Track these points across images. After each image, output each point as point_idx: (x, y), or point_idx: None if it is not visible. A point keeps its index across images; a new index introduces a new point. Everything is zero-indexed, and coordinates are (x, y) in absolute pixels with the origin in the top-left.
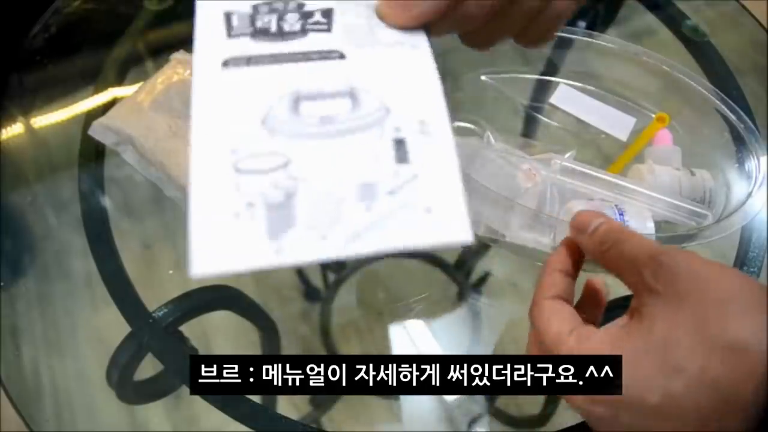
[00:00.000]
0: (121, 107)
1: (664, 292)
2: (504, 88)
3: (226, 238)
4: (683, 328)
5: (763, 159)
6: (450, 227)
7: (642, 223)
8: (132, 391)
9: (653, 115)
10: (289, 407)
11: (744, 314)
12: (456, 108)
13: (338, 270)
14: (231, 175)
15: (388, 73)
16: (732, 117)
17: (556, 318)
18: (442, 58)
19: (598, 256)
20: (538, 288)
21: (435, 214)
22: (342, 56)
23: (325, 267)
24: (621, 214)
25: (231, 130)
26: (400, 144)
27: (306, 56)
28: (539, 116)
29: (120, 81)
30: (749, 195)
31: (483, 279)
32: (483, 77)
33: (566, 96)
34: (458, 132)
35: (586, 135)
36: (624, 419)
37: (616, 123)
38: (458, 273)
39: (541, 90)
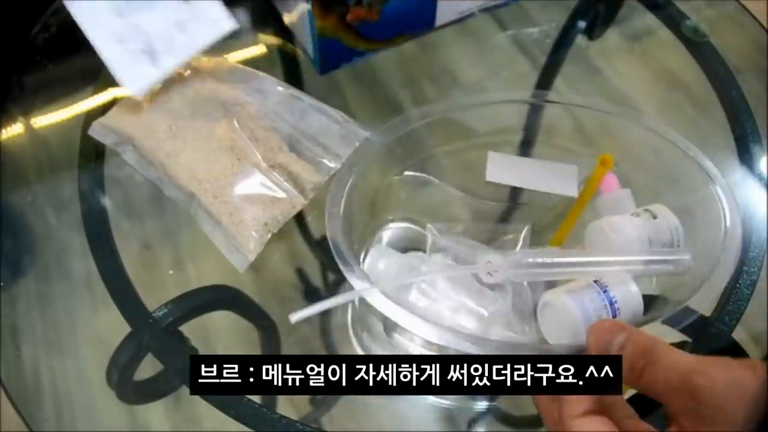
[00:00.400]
0: (121, 107)
1: (710, 418)
2: (434, 177)
3: (135, 74)
4: None
5: (723, 183)
6: (222, 28)
7: (627, 290)
8: (132, 391)
9: (594, 159)
10: (289, 407)
11: None
12: (390, 209)
13: (338, 270)
14: (119, 47)
15: None
16: (676, 142)
17: None
18: (361, 165)
19: (630, 382)
20: (562, 406)
21: (214, 24)
22: None
23: (325, 267)
24: (605, 291)
25: (104, 27)
26: None
27: None
28: (476, 198)
29: None
30: (723, 244)
31: None
32: (406, 173)
33: (498, 165)
34: (397, 233)
35: (535, 201)
36: None
37: (560, 178)
38: None
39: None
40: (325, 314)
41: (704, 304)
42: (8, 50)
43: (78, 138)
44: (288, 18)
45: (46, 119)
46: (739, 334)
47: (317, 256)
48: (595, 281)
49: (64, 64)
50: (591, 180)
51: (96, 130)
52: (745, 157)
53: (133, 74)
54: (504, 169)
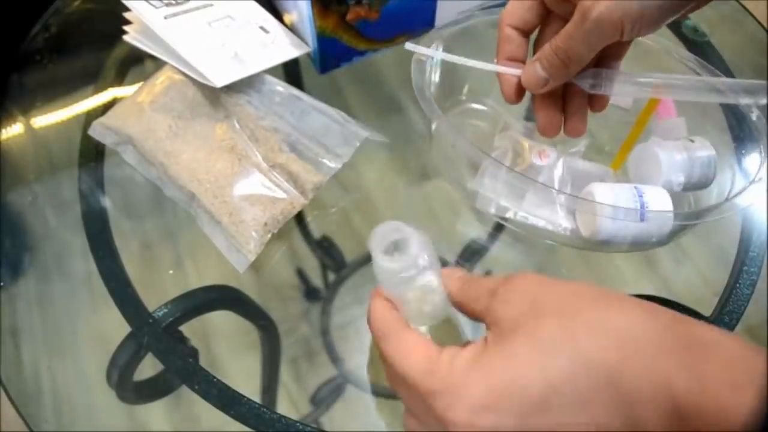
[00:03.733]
0: (121, 107)
1: (499, 320)
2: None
3: (219, 67)
4: (543, 334)
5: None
6: (294, 51)
7: (661, 203)
8: (132, 391)
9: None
10: (289, 407)
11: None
12: (469, 91)
13: (338, 270)
14: (207, 53)
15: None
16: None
17: (416, 349)
18: (452, 43)
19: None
20: (375, 306)
21: (288, 48)
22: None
23: (325, 267)
24: (640, 195)
25: (191, 41)
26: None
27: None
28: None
29: (120, 81)
30: (751, 181)
31: None
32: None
33: None
34: (470, 113)
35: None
36: (508, 422)
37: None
38: None
39: None
40: (325, 314)
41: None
42: (8, 50)
43: (78, 138)
44: (288, 17)
45: (46, 119)
46: (738, 334)
47: (317, 256)
48: (635, 186)
49: (64, 64)
50: (645, 108)
51: (96, 130)
52: (745, 157)
53: (216, 68)
54: None
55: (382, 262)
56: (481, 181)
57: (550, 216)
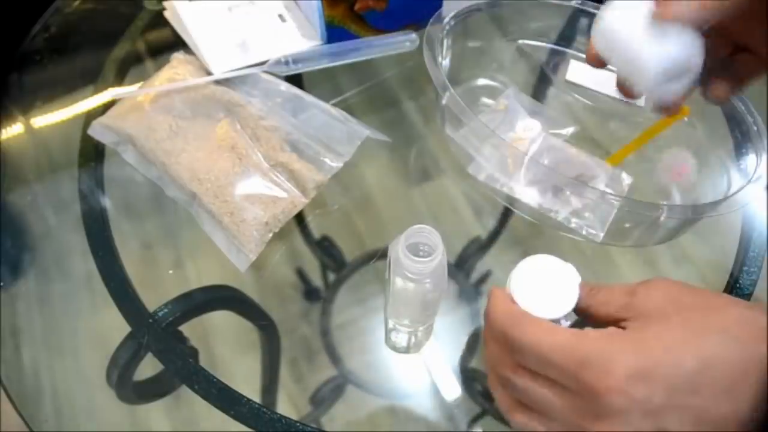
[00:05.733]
0: (121, 107)
1: (643, 312)
2: (536, 56)
3: (222, 58)
4: (675, 327)
5: (762, 143)
6: (304, 43)
7: None
8: (132, 391)
9: None
10: (289, 407)
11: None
12: (484, 67)
13: (338, 270)
14: (216, 41)
15: None
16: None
17: (556, 329)
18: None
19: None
20: (499, 301)
21: (300, 39)
22: None
23: (326, 267)
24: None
25: (208, 25)
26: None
27: None
28: (556, 89)
29: (120, 81)
30: (749, 180)
31: (483, 279)
32: (520, 41)
33: (578, 70)
34: (481, 90)
35: (596, 114)
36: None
37: None
38: (458, 273)
39: (563, 61)
40: (325, 314)
41: None
42: (8, 50)
43: (78, 138)
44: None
45: (46, 119)
46: None
47: (317, 256)
48: None
49: (64, 64)
50: (660, 123)
51: (96, 130)
52: (745, 157)
53: (219, 55)
54: (582, 74)
55: (406, 260)
56: (460, 131)
57: (539, 195)
